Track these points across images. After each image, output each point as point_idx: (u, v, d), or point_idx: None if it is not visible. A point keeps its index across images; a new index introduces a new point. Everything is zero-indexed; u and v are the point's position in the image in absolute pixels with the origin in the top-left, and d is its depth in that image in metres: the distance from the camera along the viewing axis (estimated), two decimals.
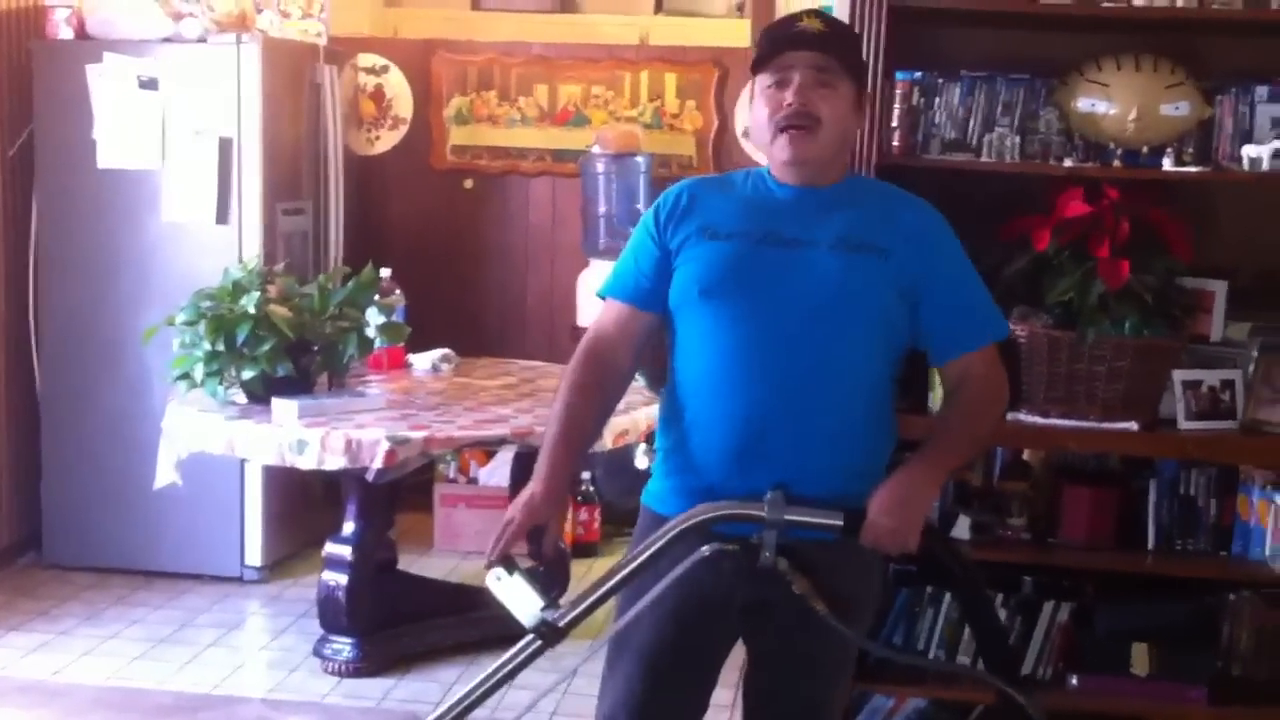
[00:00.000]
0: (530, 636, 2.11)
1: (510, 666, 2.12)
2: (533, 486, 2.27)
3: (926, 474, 2.22)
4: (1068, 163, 3.14)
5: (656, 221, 2.36)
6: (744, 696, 2.46)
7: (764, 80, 2.28)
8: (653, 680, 2.34)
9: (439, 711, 2.12)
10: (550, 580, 2.20)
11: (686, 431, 2.31)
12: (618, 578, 2.17)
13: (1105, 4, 3.11)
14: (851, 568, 2.28)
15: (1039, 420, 3.10)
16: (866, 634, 2.44)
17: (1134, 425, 3.09)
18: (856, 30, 3.06)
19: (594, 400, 2.37)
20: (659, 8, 6.22)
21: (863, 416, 2.29)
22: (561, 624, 2.10)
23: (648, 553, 2.15)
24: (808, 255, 2.25)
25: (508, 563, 2.14)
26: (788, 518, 2.13)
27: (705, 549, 2.15)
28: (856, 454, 2.28)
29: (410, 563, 4.79)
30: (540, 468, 2.28)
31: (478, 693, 2.12)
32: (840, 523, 2.13)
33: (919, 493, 2.19)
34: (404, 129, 5.85)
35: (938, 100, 3.22)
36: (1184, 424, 3.13)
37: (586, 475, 5.20)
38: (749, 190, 2.36)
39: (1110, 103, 3.13)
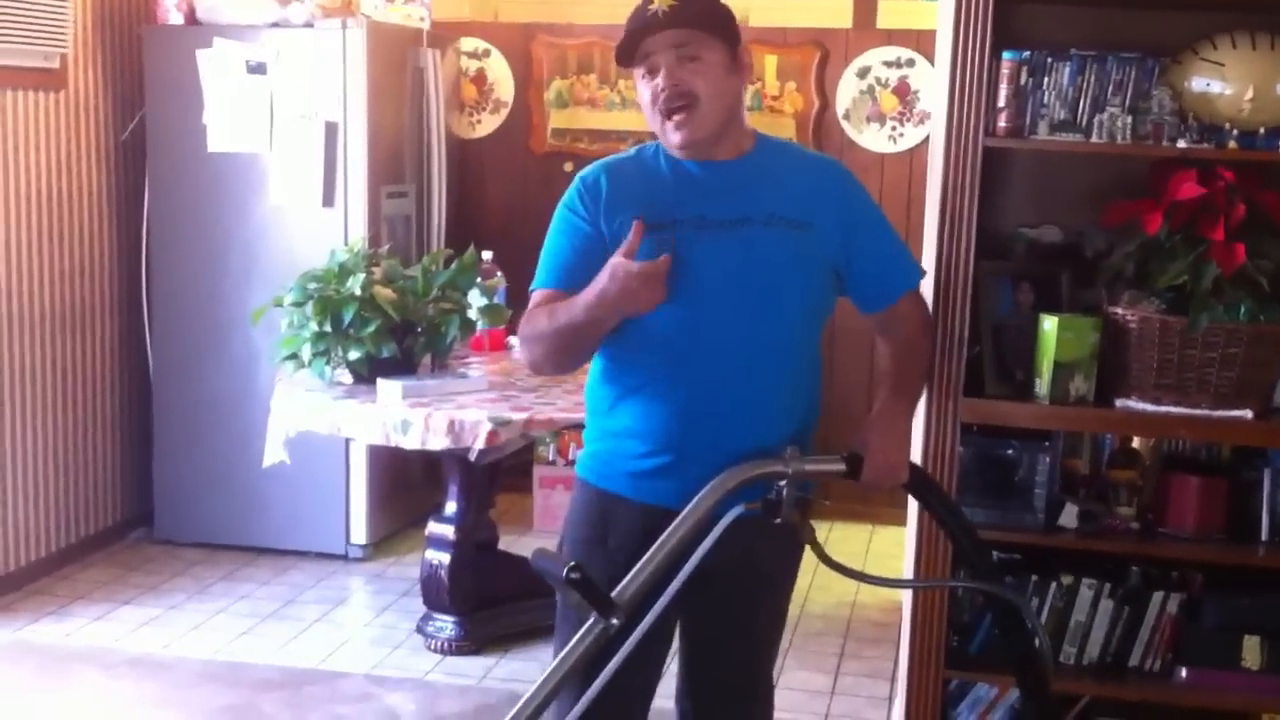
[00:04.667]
0: (593, 621, 2.03)
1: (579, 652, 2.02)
2: (603, 275, 2.25)
3: (903, 412, 2.39)
4: (1181, 144, 3.07)
5: (585, 208, 2.37)
6: (682, 663, 2.54)
7: (637, 72, 2.32)
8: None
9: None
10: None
11: (637, 410, 2.36)
12: (665, 551, 2.09)
13: None
14: (777, 546, 2.43)
15: (1149, 407, 3.03)
16: (790, 595, 2.60)
17: (1248, 414, 3.01)
18: (963, 9, 3.01)
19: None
20: None
21: (802, 381, 2.42)
22: (626, 597, 2.04)
23: (689, 523, 2.12)
24: (741, 235, 2.30)
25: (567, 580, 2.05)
26: (806, 468, 2.21)
27: (735, 511, 2.14)
28: (795, 419, 2.40)
29: (510, 543, 4.83)
30: (590, 292, 2.26)
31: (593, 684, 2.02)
32: (844, 467, 2.30)
33: (902, 430, 2.36)
34: (505, 112, 5.89)
35: (1046, 80, 3.15)
36: None
37: None
38: (666, 170, 2.38)
39: (1225, 82, 3.05)
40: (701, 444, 2.31)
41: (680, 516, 2.12)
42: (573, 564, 2.00)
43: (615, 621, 2.00)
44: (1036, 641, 2.40)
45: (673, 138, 2.30)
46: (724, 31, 2.31)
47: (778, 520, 2.20)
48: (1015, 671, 2.43)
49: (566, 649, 2.03)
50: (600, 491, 2.43)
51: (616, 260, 2.25)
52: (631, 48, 2.29)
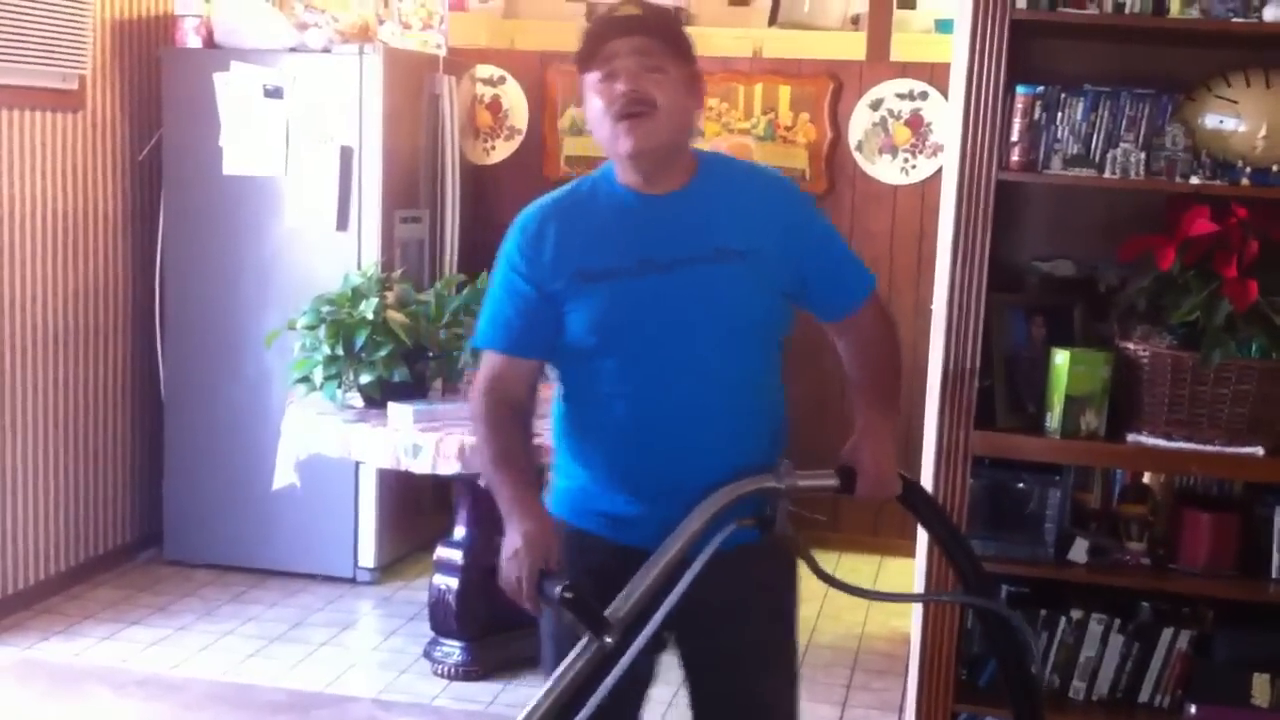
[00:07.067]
0: (586, 641, 2.02)
1: (573, 672, 2.01)
2: (522, 527, 2.15)
3: (887, 423, 2.31)
4: (1194, 180, 3.08)
5: (524, 264, 2.30)
6: (691, 702, 2.45)
7: (593, 77, 2.24)
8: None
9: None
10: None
11: (601, 461, 2.31)
12: (657, 570, 2.07)
13: (1235, 19, 3.04)
14: (773, 561, 2.35)
15: (1161, 443, 3.04)
16: (792, 622, 2.48)
17: (1259, 450, 3.02)
18: (978, 43, 3.04)
19: (518, 434, 2.31)
20: (773, 20, 6.21)
21: (765, 410, 2.36)
22: (619, 616, 2.02)
23: (681, 541, 2.09)
24: (688, 275, 2.22)
25: (549, 598, 2.07)
26: (800, 484, 2.18)
27: (728, 529, 2.12)
28: (764, 449, 2.33)
29: None
30: (515, 510, 2.19)
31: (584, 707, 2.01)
32: (837, 482, 2.25)
33: (889, 441, 2.28)
34: (519, 139, 5.92)
35: (1060, 115, 3.17)
36: None
37: None
38: (606, 209, 2.29)
39: (1239, 119, 3.07)
40: (671, 489, 2.23)
41: (673, 535, 2.08)
42: (566, 583, 1.97)
43: (609, 640, 1.97)
44: (1027, 648, 2.36)
45: (623, 144, 2.21)
46: (686, 52, 2.27)
47: (774, 534, 2.18)
48: (1008, 692, 2.40)
49: (558, 671, 1.99)
50: (573, 528, 2.36)
51: (530, 556, 2.12)
52: (596, 48, 2.23)
